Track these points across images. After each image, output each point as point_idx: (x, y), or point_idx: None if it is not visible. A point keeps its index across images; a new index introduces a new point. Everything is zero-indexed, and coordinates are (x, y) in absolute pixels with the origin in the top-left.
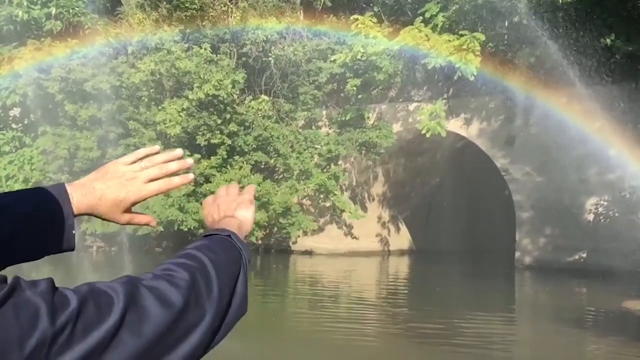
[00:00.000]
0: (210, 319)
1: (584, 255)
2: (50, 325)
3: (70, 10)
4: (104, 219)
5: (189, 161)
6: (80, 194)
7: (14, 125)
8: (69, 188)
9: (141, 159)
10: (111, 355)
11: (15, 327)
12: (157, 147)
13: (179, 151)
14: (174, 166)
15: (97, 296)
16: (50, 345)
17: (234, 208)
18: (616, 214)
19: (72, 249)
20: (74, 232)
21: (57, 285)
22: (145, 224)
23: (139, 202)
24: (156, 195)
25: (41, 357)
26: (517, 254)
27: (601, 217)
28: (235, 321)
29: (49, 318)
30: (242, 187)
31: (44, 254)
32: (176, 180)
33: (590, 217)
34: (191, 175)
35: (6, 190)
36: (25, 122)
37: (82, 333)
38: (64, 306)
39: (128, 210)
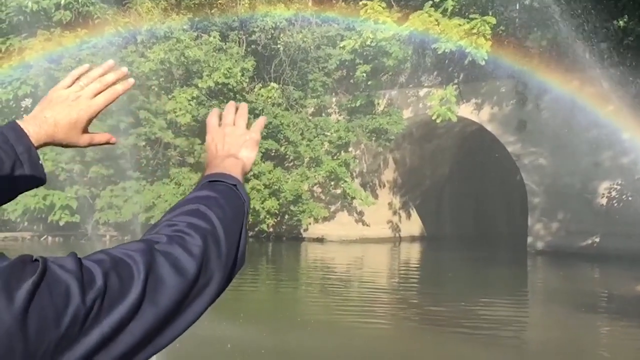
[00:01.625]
0: (218, 282)
1: (597, 239)
2: (82, 303)
3: (79, 0)
4: (65, 146)
5: (124, 69)
6: (35, 126)
7: (25, 116)
8: (22, 124)
9: (77, 79)
10: (134, 325)
11: (51, 306)
12: (87, 65)
13: (110, 62)
14: (111, 77)
15: (118, 268)
16: (83, 322)
17: (240, 145)
18: (629, 198)
19: (44, 182)
20: (40, 162)
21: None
22: (106, 142)
23: (93, 118)
24: (106, 106)
25: (74, 334)
26: (530, 239)
27: (614, 201)
28: (234, 275)
29: (80, 296)
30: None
31: (18, 191)
32: (119, 87)
33: (604, 201)
34: (131, 80)
35: None
36: None
37: (108, 308)
38: (92, 282)
39: (85, 131)
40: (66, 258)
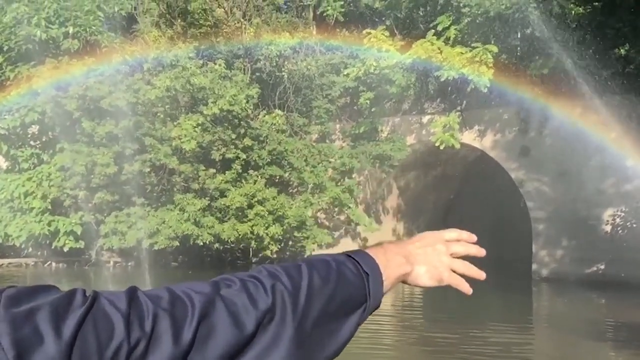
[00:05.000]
0: (283, 353)
1: (602, 266)
2: (126, 340)
3: (88, 29)
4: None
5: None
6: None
7: (32, 143)
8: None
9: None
10: None
11: (94, 340)
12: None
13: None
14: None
15: (174, 309)
16: (127, 359)
17: (426, 262)
18: (634, 225)
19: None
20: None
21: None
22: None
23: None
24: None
25: None
26: (534, 266)
27: (619, 228)
28: None
29: (125, 333)
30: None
31: None
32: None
33: (608, 228)
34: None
35: (24, 206)
36: (44, 139)
37: (154, 349)
38: (140, 321)
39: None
40: (120, 293)
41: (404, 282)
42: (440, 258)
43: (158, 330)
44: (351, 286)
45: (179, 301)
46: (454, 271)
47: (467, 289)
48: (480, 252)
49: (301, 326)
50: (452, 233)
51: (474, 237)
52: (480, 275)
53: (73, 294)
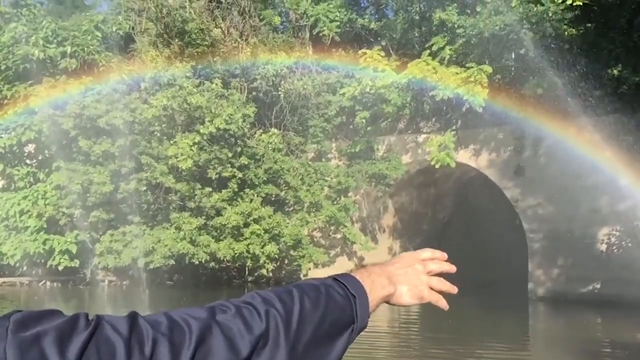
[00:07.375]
0: None
1: (598, 285)
2: None
3: (85, 49)
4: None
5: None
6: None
7: (28, 161)
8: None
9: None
10: None
11: None
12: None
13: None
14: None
15: (172, 333)
16: None
17: (408, 282)
18: (629, 244)
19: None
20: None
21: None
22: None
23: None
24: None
25: None
26: (530, 285)
27: (614, 247)
28: None
29: (126, 356)
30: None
31: None
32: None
33: (603, 247)
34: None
35: (19, 225)
36: (40, 157)
37: None
38: (141, 346)
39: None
40: (121, 318)
41: (387, 302)
42: (419, 277)
43: (157, 354)
44: (339, 309)
45: (177, 326)
46: (431, 288)
47: (444, 304)
48: (452, 268)
49: (294, 350)
50: (427, 252)
51: (446, 255)
52: (453, 289)
53: (77, 319)
